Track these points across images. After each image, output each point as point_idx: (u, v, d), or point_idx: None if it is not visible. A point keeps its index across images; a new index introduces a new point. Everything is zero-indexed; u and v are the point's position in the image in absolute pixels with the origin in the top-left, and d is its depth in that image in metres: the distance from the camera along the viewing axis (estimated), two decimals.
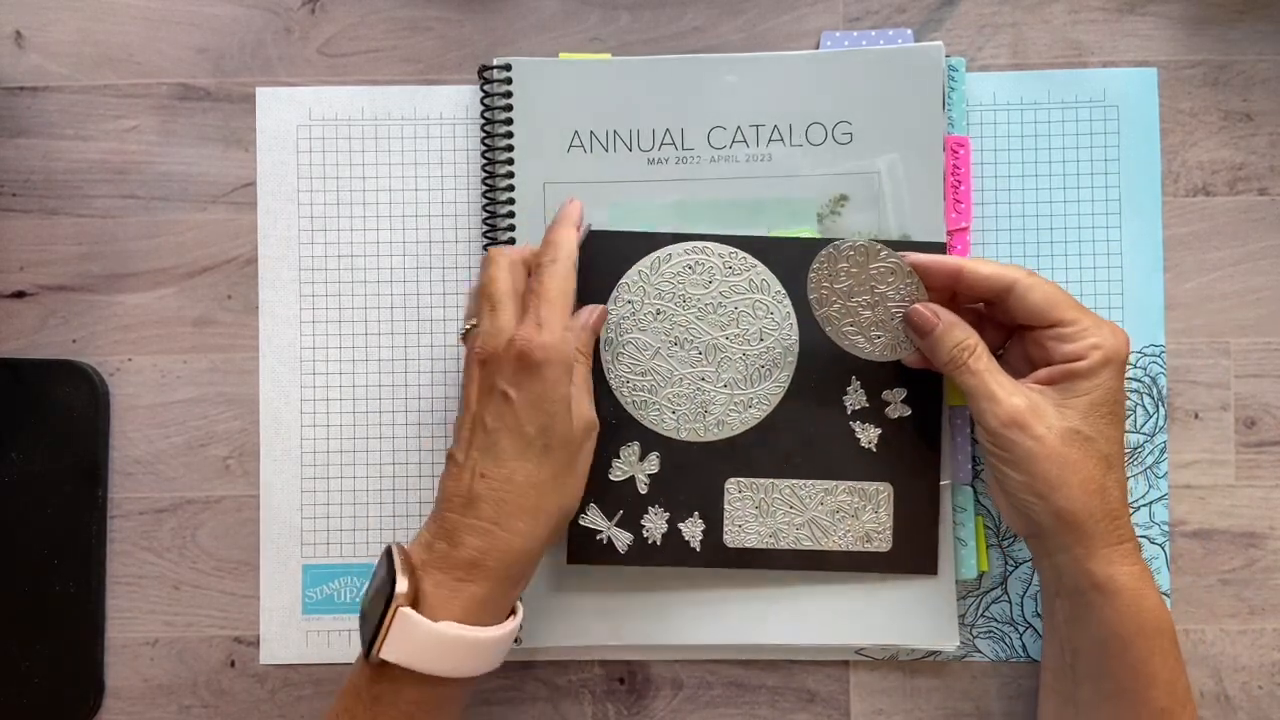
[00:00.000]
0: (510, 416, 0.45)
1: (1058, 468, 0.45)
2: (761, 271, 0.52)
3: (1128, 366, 0.53)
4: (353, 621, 0.54)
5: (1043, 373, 0.47)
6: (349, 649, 0.54)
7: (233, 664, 0.54)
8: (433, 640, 0.43)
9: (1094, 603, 0.45)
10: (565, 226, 0.48)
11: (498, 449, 0.45)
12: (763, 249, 0.52)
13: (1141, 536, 0.53)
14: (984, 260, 0.48)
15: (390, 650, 0.43)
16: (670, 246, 0.52)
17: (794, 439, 0.52)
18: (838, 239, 0.48)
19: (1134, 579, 0.45)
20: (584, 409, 0.47)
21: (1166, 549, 0.53)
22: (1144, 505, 0.53)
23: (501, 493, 0.45)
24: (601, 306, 0.50)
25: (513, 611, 0.47)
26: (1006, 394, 0.46)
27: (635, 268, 0.52)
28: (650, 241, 0.52)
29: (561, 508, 0.46)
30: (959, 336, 0.47)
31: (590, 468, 0.48)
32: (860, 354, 0.49)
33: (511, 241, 0.53)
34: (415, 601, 0.43)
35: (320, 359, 0.55)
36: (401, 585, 0.43)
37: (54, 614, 0.53)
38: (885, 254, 0.48)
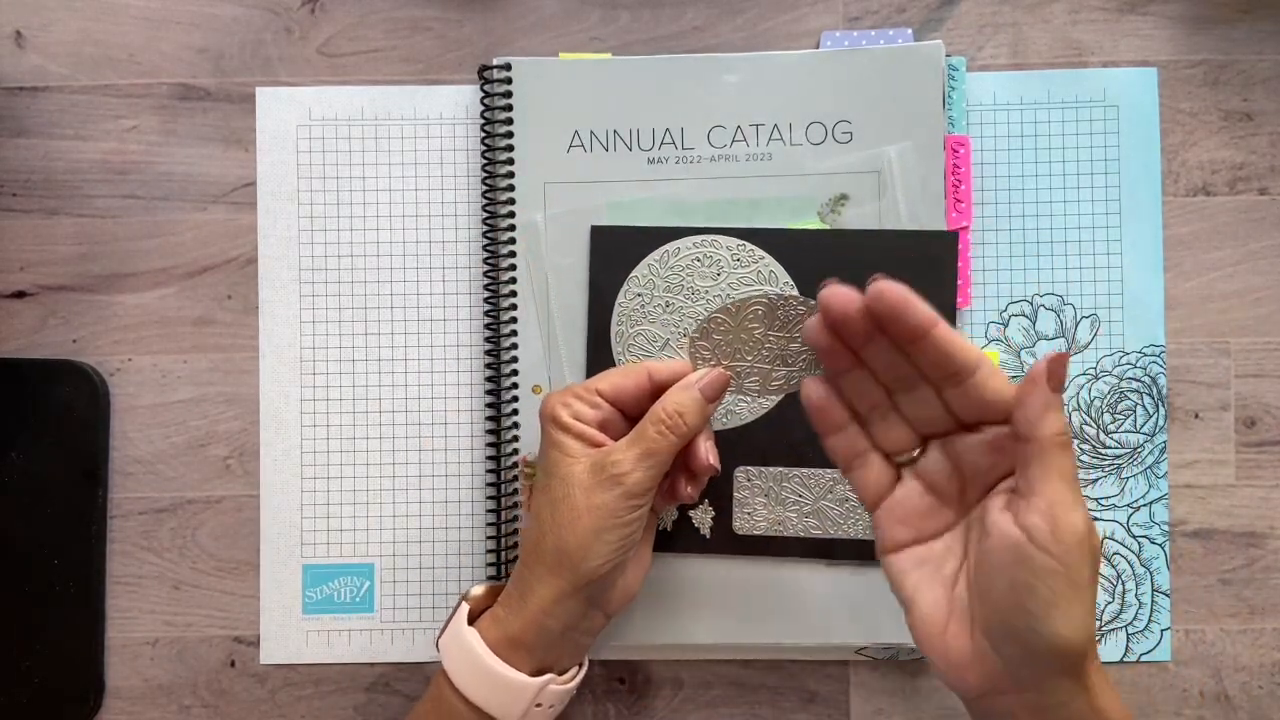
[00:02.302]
0: None
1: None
2: (769, 263, 0.52)
3: (1131, 365, 0.53)
4: (352, 621, 0.54)
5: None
6: (349, 649, 0.54)
7: (233, 664, 0.54)
8: (456, 639, 0.45)
9: None
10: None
11: None
12: (771, 241, 0.52)
13: (1142, 536, 0.53)
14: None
15: (444, 640, 0.46)
16: (679, 240, 0.52)
17: (803, 429, 0.51)
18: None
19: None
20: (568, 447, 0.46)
21: (1166, 549, 0.53)
22: (1144, 505, 0.53)
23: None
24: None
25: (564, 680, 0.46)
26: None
27: (645, 261, 0.52)
28: (659, 235, 0.52)
29: (558, 547, 0.44)
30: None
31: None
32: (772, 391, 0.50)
33: (511, 240, 0.53)
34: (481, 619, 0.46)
35: (320, 359, 0.55)
36: (477, 590, 0.47)
37: (54, 614, 0.53)
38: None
